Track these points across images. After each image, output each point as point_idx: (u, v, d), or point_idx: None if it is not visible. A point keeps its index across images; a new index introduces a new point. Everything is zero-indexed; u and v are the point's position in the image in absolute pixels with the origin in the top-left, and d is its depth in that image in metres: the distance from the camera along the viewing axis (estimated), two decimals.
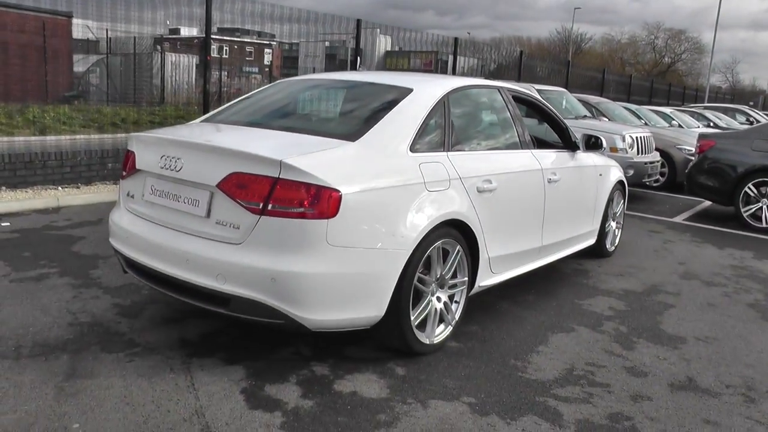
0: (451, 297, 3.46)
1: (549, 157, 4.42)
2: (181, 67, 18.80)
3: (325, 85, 4.02)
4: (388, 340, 3.20)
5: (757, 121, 17.81)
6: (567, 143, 4.84)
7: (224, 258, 2.75)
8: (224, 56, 36.93)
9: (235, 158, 2.80)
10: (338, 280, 2.78)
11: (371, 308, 2.94)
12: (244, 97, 3.98)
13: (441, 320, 3.40)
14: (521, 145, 4.17)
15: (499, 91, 4.20)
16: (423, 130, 3.33)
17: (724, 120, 15.70)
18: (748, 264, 5.85)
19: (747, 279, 5.34)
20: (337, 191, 2.72)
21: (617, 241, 5.88)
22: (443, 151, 3.43)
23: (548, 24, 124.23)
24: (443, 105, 3.54)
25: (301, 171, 2.68)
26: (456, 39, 13.80)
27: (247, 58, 35.80)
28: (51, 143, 7.94)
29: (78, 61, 16.66)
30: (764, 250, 6.49)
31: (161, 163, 3.05)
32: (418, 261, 3.09)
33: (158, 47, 18.18)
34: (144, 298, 3.95)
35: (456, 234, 3.35)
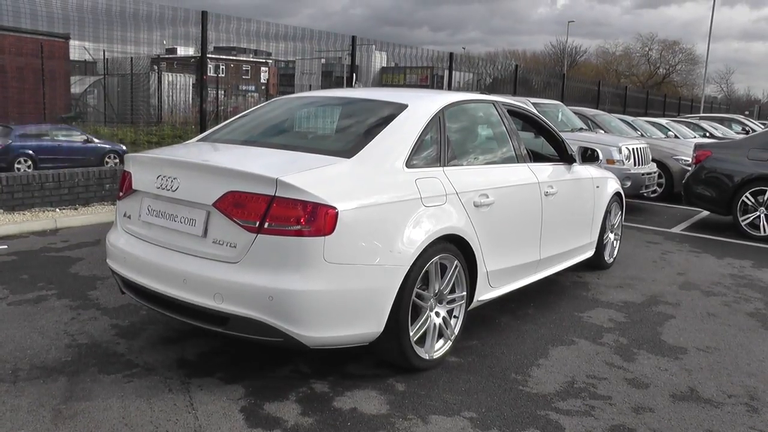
0: (449, 312, 3.45)
1: (545, 170, 4.43)
2: (178, 87, 18.93)
3: (321, 103, 4.05)
4: (387, 355, 3.18)
5: (753, 131, 17.90)
6: (563, 156, 4.86)
7: (221, 277, 2.75)
8: (221, 75, 37.18)
9: (230, 177, 2.81)
10: (336, 297, 2.77)
11: (370, 324, 2.93)
12: (240, 115, 4.00)
13: (440, 335, 3.39)
14: (517, 158, 4.18)
15: (494, 105, 4.22)
16: (419, 146, 3.34)
17: (720, 130, 15.77)
18: (747, 273, 5.85)
19: (747, 288, 5.33)
20: (334, 208, 2.72)
21: (616, 252, 5.88)
22: (439, 166, 3.44)
23: (542, 38, 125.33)
24: (438, 120, 3.55)
25: (297, 188, 2.68)
26: (451, 54, 13.91)
27: (244, 77, 36.03)
28: None
29: (75, 83, 16.76)
30: (763, 258, 6.49)
31: (157, 183, 3.05)
32: (416, 276, 3.08)
33: (155, 67, 18.30)
34: (142, 319, 3.94)
35: (453, 249, 3.35)
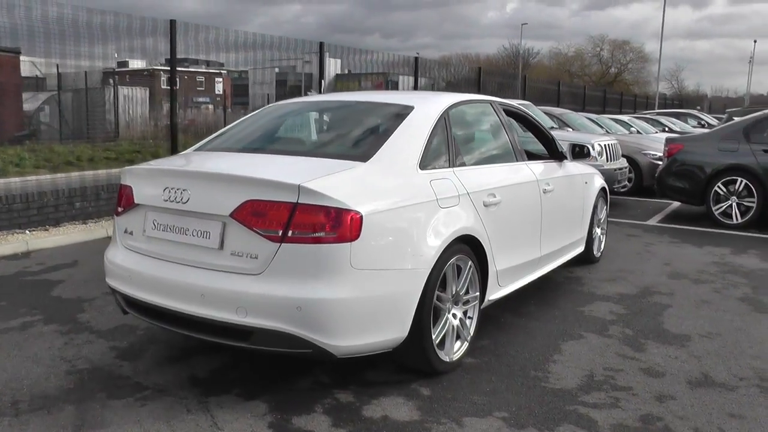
0: (465, 313, 3.42)
1: (541, 168, 4.46)
2: (134, 101, 18.42)
3: (322, 107, 3.97)
4: (409, 360, 3.12)
5: (709, 124, 18.59)
6: (553, 153, 4.90)
7: (244, 290, 2.64)
8: (175, 87, 36.44)
9: (248, 185, 2.71)
10: (364, 304, 2.70)
11: (395, 330, 2.87)
12: (236, 123, 3.89)
13: (457, 337, 3.35)
14: (516, 157, 4.19)
15: (491, 104, 4.23)
16: (429, 147, 3.31)
17: (678, 124, 16.31)
18: (728, 260, 6.02)
19: (731, 274, 5.48)
20: (358, 213, 2.66)
21: (602, 246, 5.97)
22: (449, 166, 3.41)
23: (493, 41, 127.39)
24: (444, 121, 3.53)
25: (321, 194, 2.60)
26: (416, 58, 13.94)
27: (198, 88, 35.39)
28: (15, 185, 7.61)
29: (27, 100, 16.13)
30: (740, 245, 6.70)
31: (164, 196, 2.92)
32: (437, 279, 3.04)
33: (110, 80, 17.79)
34: (141, 339, 3.77)
35: (467, 249, 3.32)
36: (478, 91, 14.92)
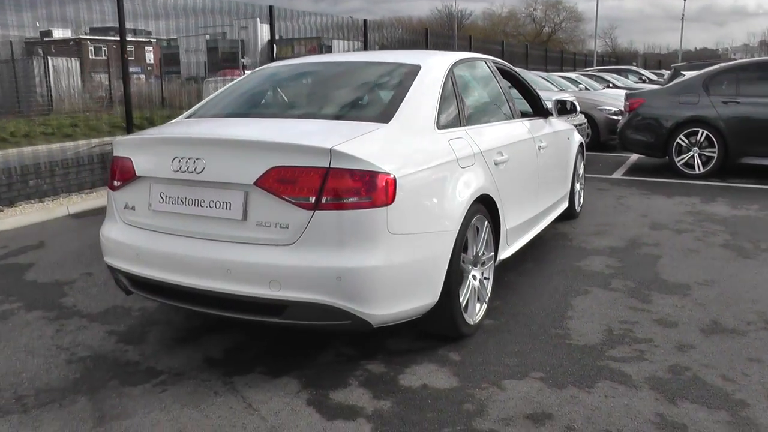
0: (482, 274, 3.37)
1: (533, 125, 4.41)
2: (65, 72, 17.29)
3: (323, 69, 3.75)
4: (436, 326, 3.05)
5: (649, 79, 19.12)
6: (539, 110, 4.86)
7: (276, 262, 2.48)
8: (102, 57, 34.49)
9: (273, 151, 2.52)
10: (402, 270, 2.60)
11: (428, 296, 2.78)
12: (226, 88, 3.63)
13: (477, 299, 3.30)
14: (513, 115, 4.13)
15: (485, 62, 4.13)
16: (442, 106, 3.19)
17: (620, 81, 16.67)
18: (700, 209, 6.21)
19: (708, 222, 5.66)
20: (392, 176, 2.53)
21: (581, 201, 6.04)
22: (461, 125, 3.31)
23: (423, 4, 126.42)
24: (451, 79, 3.41)
25: (355, 158, 2.46)
26: (365, 21, 13.59)
27: (128, 58, 33.56)
28: None
29: None
30: (707, 194, 6.93)
31: (174, 167, 2.69)
32: (461, 240, 2.96)
33: (39, 50, 16.60)
34: (140, 321, 3.55)
35: (483, 209, 3.26)
36: None
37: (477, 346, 3.13)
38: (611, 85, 15.60)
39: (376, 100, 3.20)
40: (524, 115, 4.75)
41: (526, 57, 21.53)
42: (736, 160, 7.59)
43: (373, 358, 3.00)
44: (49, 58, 16.16)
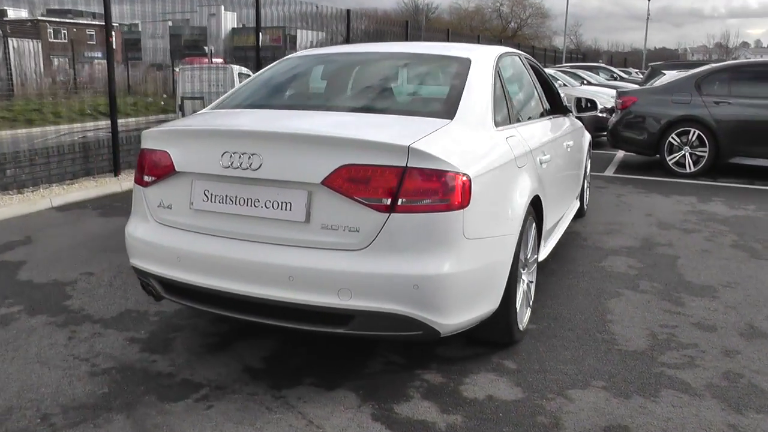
0: (528, 277, 3.25)
1: (560, 122, 4.33)
2: (26, 55, 16.46)
3: (369, 59, 3.54)
4: (493, 332, 2.92)
5: (620, 77, 19.40)
6: (559, 107, 4.77)
7: (346, 269, 2.29)
8: (61, 40, 33.04)
9: (344, 148, 2.33)
10: (474, 276, 2.45)
11: (491, 302, 2.65)
12: (261, 76, 3.38)
13: (526, 303, 3.19)
14: (544, 112, 4.02)
15: (519, 57, 4.00)
16: (495, 102, 3.04)
17: (594, 78, 16.85)
18: (700, 208, 6.26)
19: (711, 222, 5.70)
20: (468, 176, 2.37)
21: (587, 199, 6.01)
22: (511, 123, 3.17)
23: None
24: (498, 74, 3.27)
25: (434, 157, 2.29)
26: (348, 11, 13.30)
27: (89, 42, 32.30)
28: None
29: None
30: (702, 193, 7.01)
31: (224, 162, 2.47)
32: (520, 243, 2.83)
33: None
34: (160, 327, 3.31)
35: (532, 211, 3.13)
36: None
37: (529, 353, 3.01)
38: (585, 82, 15.75)
39: (432, 95, 3.03)
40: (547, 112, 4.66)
41: None
42: (726, 160, 7.71)
43: (427, 368, 2.85)
44: (9, 39, 15.34)
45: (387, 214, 2.28)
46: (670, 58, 49.07)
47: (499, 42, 23.44)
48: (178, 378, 2.76)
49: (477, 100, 2.86)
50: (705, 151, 7.75)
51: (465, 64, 3.11)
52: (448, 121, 2.64)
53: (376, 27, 15.60)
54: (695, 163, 7.84)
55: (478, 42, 19.27)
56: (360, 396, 2.59)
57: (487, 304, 2.62)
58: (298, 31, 15.16)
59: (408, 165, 2.27)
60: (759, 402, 2.64)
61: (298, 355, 2.97)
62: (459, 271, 2.36)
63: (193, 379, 2.75)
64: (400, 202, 2.27)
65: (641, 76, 20.03)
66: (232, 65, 13.91)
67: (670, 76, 11.07)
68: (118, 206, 6.12)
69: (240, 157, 2.43)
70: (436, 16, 65.69)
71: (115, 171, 7.27)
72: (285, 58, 3.60)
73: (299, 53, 3.69)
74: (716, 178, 7.86)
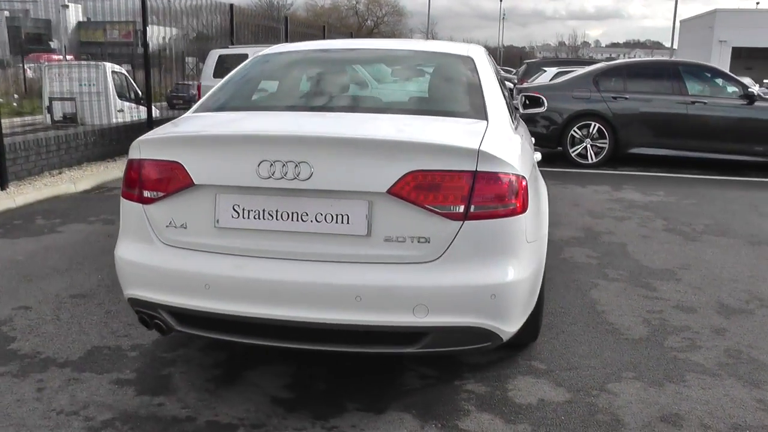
0: None
1: (522, 122, 4.40)
2: None
3: (377, 57, 3.33)
4: (526, 334, 2.82)
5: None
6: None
7: (421, 283, 2.12)
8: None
9: (410, 152, 2.15)
10: (532, 280, 2.40)
11: (534, 303, 2.60)
12: (249, 74, 3.05)
13: None
14: (516, 110, 4.06)
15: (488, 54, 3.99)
16: (507, 103, 3.01)
17: None
18: (617, 196, 6.72)
19: (635, 209, 6.13)
20: (525, 179, 2.31)
21: None
22: (514, 123, 3.14)
23: None
24: (496, 73, 3.23)
25: (500, 160, 2.20)
26: (231, 6, 12.66)
27: None
28: None
29: None
30: (613, 182, 7.53)
31: (262, 172, 2.18)
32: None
33: None
34: (146, 362, 2.91)
35: None
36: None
37: (550, 352, 3.02)
38: None
39: (454, 94, 2.90)
40: None
41: None
42: (625, 150, 8.36)
43: (462, 377, 2.75)
44: None
45: (460, 222, 2.14)
46: (523, 56, 52.59)
47: (350, 36, 23.36)
48: (200, 421, 2.42)
49: (496, 100, 2.81)
50: (605, 143, 8.34)
51: (470, 62, 3.04)
52: (485, 122, 2.55)
53: (243, 21, 14.74)
54: (596, 155, 8.41)
55: (324, 34, 18.82)
56: (416, 416, 2.44)
57: (532, 306, 2.58)
58: (149, 26, 13.89)
59: (478, 169, 2.15)
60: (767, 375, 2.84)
61: (319, 377, 2.74)
62: (525, 277, 2.30)
63: (220, 420, 2.43)
64: (472, 208, 2.15)
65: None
66: (105, 63, 12.74)
67: (551, 73, 11.81)
68: (20, 224, 5.33)
69: (284, 166, 2.16)
70: (292, 13, 65.11)
71: (2, 184, 6.34)
72: (264, 54, 3.29)
73: (277, 50, 3.39)
74: (617, 167, 8.50)
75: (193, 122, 2.68)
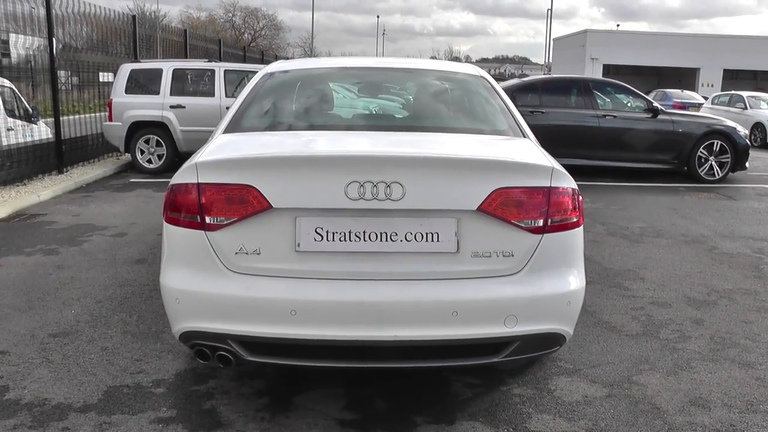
0: None
1: None
2: None
3: (395, 77, 3.38)
4: None
5: None
6: None
7: (509, 295, 2.24)
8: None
9: (494, 171, 2.28)
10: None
11: None
12: (271, 94, 2.99)
13: None
14: None
15: None
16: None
17: None
18: None
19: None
20: (581, 194, 2.50)
21: None
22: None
23: (114, 2, 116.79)
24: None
25: (566, 176, 2.40)
26: (134, 17, 12.03)
27: None
28: None
29: None
30: None
31: (351, 193, 2.18)
32: None
33: None
34: (181, 398, 2.76)
35: None
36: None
37: (570, 352, 3.24)
38: None
39: (489, 113, 3.04)
40: None
41: (244, 59, 21.03)
42: None
43: (504, 382, 2.89)
44: None
45: (540, 236, 2.29)
46: None
47: (243, 50, 23.14)
48: None
49: (522, 119, 2.99)
50: None
51: (482, 80, 3.24)
52: (527, 140, 2.76)
53: (145, 34, 13.93)
54: None
55: (220, 48, 18.57)
56: (485, 423, 2.53)
57: None
58: (12, 35, 12.66)
59: (552, 185, 2.31)
60: (755, 354, 3.25)
61: (374, 396, 2.75)
62: (585, 283, 2.50)
63: None
64: (549, 222, 2.30)
65: None
66: None
67: None
68: None
69: (375, 186, 2.18)
70: (166, 24, 62.88)
71: None
72: (268, 72, 3.24)
73: (297, 65, 3.39)
74: None
75: (250, 144, 2.61)
